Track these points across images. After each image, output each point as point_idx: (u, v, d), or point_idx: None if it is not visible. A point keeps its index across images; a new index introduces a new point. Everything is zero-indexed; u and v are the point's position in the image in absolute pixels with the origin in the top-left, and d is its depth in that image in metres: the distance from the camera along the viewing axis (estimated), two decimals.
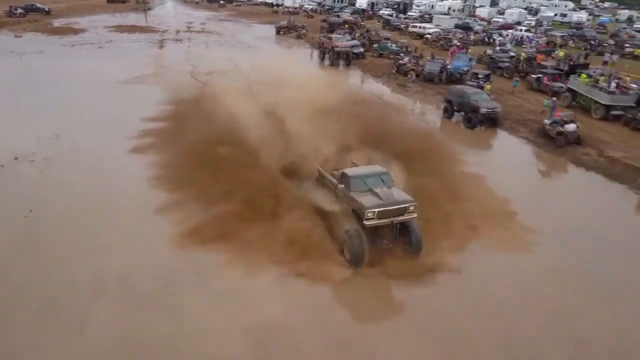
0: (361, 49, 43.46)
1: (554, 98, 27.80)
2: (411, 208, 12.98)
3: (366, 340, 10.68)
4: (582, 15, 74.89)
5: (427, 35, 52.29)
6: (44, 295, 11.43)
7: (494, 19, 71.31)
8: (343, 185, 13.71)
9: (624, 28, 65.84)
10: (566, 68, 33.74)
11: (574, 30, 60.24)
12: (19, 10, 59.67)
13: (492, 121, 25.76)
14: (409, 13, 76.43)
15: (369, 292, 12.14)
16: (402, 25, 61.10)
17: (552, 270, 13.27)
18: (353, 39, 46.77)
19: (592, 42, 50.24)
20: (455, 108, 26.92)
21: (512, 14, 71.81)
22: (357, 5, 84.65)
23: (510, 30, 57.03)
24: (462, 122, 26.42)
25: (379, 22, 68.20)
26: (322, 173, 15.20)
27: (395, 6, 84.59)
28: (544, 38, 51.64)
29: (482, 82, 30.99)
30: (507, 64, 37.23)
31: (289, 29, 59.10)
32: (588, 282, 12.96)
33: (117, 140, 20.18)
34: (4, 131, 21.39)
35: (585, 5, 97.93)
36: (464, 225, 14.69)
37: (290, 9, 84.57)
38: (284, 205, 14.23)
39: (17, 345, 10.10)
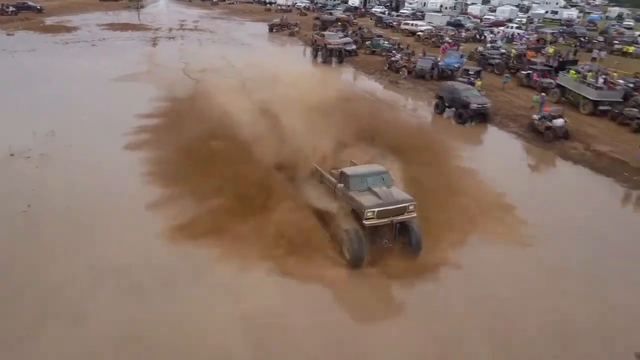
0: (354, 47, 43.74)
1: (543, 94, 28.26)
2: (411, 207, 12.92)
3: (366, 340, 10.61)
4: (572, 13, 75.44)
5: (419, 33, 52.74)
6: (43, 287, 11.68)
7: (485, 17, 72.01)
8: (342, 185, 13.60)
9: (614, 25, 66.56)
10: (555, 64, 34.30)
11: (564, 27, 60.79)
12: (11, 9, 59.33)
13: (482, 116, 26.16)
14: (402, 10, 76.82)
15: (368, 291, 12.11)
16: (394, 23, 61.53)
17: (548, 264, 13.48)
18: (346, 36, 46.98)
19: (582, 39, 50.74)
20: (446, 104, 27.27)
21: (504, 12, 72.25)
22: (349, 2, 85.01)
23: (502, 28, 57.49)
24: (453, 117, 26.76)
25: (371, 19, 68.46)
26: (321, 172, 15.10)
27: (388, 4, 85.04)
28: (535, 35, 52.09)
29: (473, 79, 31.34)
30: (497, 61, 37.65)
31: (282, 27, 59.18)
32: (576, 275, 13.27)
33: (113, 136, 20.37)
34: None
35: (576, 3, 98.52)
36: (462, 219, 14.80)
37: (283, 7, 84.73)
38: (275, 198, 14.38)
39: (15, 337, 10.29)
